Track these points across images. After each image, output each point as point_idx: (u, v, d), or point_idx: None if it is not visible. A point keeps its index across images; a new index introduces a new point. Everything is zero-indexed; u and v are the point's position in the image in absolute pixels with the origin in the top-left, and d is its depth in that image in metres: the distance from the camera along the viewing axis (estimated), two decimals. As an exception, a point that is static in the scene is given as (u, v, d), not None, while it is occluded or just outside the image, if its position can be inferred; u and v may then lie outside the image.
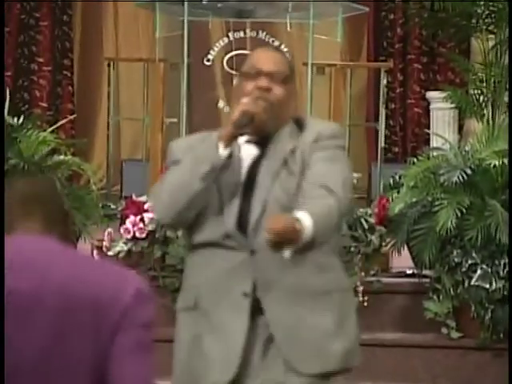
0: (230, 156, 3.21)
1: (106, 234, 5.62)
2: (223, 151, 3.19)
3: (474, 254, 5.39)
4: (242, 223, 3.22)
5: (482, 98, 8.37)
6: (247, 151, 3.30)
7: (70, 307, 2.22)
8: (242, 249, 3.20)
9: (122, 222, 5.63)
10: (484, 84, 8.36)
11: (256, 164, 3.29)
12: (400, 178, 5.78)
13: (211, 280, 3.23)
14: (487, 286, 5.36)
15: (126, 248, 5.52)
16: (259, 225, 3.18)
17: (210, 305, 3.22)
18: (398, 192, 5.66)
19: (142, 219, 5.56)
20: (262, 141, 3.29)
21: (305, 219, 3.03)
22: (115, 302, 2.23)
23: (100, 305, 2.22)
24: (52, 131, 5.87)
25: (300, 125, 3.33)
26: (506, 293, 5.35)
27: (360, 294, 5.49)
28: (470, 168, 5.46)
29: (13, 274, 2.24)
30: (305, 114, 3.41)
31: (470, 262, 5.39)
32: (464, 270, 5.39)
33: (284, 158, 3.25)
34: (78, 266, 2.29)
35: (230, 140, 3.20)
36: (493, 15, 8.38)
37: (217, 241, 3.22)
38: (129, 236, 5.53)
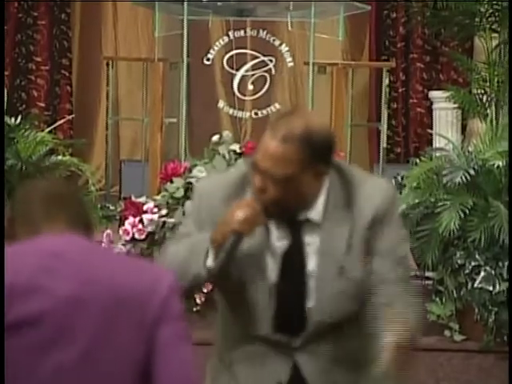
0: (224, 264, 2.93)
1: (105, 235, 5.61)
2: (211, 263, 2.94)
3: (477, 256, 5.39)
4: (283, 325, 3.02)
5: (485, 97, 8.37)
6: (278, 241, 3.03)
7: (114, 303, 2.28)
8: (278, 346, 3.04)
9: (121, 224, 5.64)
10: (487, 83, 8.37)
11: (291, 257, 3.02)
12: (402, 178, 5.78)
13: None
14: (491, 288, 5.36)
15: (124, 249, 5.52)
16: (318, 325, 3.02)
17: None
18: (401, 193, 5.65)
19: (141, 220, 5.56)
20: (293, 225, 3.01)
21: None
22: (154, 295, 2.30)
23: (140, 298, 2.29)
24: (50, 131, 5.87)
25: (347, 187, 3.03)
26: (509, 295, 5.35)
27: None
28: (474, 169, 5.46)
29: (54, 276, 2.26)
30: (345, 166, 3.14)
31: (473, 263, 5.39)
32: (467, 271, 5.40)
33: (341, 266, 2.99)
34: (114, 262, 2.36)
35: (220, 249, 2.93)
36: (496, 14, 8.39)
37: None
38: (128, 237, 5.53)
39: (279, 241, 3.02)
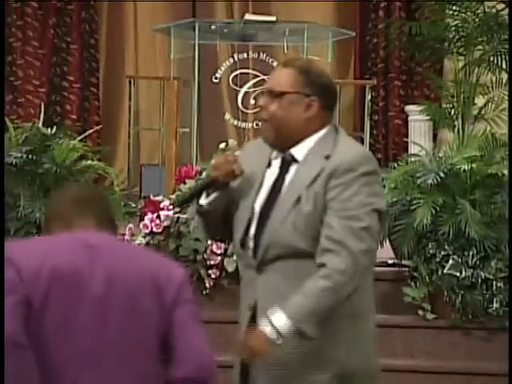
0: (215, 200, 3.01)
1: (128, 229, 5.61)
2: (204, 200, 3.03)
3: (446, 247, 5.38)
4: (256, 244, 2.99)
5: (453, 111, 8.38)
6: (273, 169, 3.05)
7: (139, 287, 2.32)
8: (250, 267, 3.01)
9: (141, 219, 5.63)
10: (455, 99, 8.37)
11: (276, 188, 3.01)
12: (382, 180, 5.76)
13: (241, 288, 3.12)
14: (458, 274, 5.35)
15: (144, 241, 5.51)
16: (266, 253, 2.96)
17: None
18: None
19: (158, 216, 5.55)
20: (290, 157, 3.02)
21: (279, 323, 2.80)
22: (170, 282, 2.36)
23: (159, 286, 2.34)
24: (80, 140, 5.86)
25: (333, 143, 3.00)
26: (474, 280, 5.34)
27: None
28: (443, 172, 5.45)
29: (90, 263, 2.29)
30: (341, 130, 3.09)
31: (443, 253, 5.38)
32: (438, 260, 5.39)
33: (298, 195, 2.95)
34: (137, 254, 2.43)
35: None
36: (462, 39, 8.39)
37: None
38: (147, 231, 5.52)
39: (272, 175, 3.04)
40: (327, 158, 2.96)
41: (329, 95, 3.03)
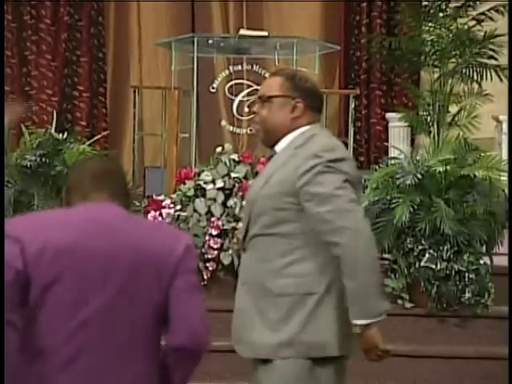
0: None
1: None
2: None
3: (423, 242, 5.37)
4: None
5: (429, 118, 8.38)
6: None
7: (140, 260, 2.27)
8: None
9: (145, 216, 5.61)
10: (431, 107, 8.38)
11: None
12: (365, 181, 5.76)
13: None
14: (433, 266, 5.34)
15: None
16: (246, 233, 3.01)
17: None
18: (364, 192, 5.64)
19: (160, 214, 5.54)
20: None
21: None
22: (172, 253, 2.29)
23: (161, 256, 2.29)
24: (89, 144, 5.84)
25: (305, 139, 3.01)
26: (448, 272, 5.34)
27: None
28: (420, 173, 5.45)
29: (93, 238, 2.26)
30: (317, 130, 3.09)
31: (420, 247, 5.37)
32: (415, 254, 5.38)
33: (267, 178, 3.00)
34: (142, 228, 2.35)
35: None
36: (437, 53, 8.39)
37: None
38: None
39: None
40: (299, 147, 2.99)
41: (312, 97, 3.06)
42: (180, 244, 2.32)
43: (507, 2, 8.31)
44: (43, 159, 5.49)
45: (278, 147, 3.04)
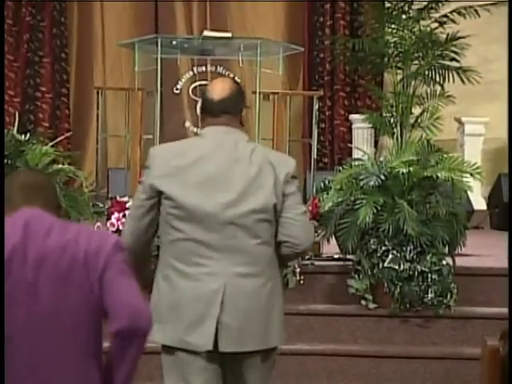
0: None
1: (96, 227, 5.57)
2: None
3: (386, 242, 5.40)
4: None
5: (392, 119, 8.43)
6: None
7: (70, 262, 2.29)
8: None
9: (109, 218, 5.59)
10: (394, 109, 8.43)
11: None
12: (329, 182, 5.79)
13: None
14: (397, 267, 5.37)
15: (111, 238, 5.47)
16: None
17: None
18: (327, 193, 5.66)
19: (124, 215, 5.52)
20: None
21: None
22: (100, 254, 2.32)
23: (89, 258, 2.31)
24: (52, 145, 5.81)
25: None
26: (411, 273, 5.36)
27: (298, 274, 5.49)
28: (384, 174, 5.48)
29: (24, 243, 2.28)
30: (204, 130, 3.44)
31: (383, 248, 5.40)
32: (379, 254, 5.41)
33: None
34: (71, 233, 2.36)
35: None
36: (400, 55, 8.45)
37: None
38: (114, 229, 5.49)
39: None
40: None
41: (204, 104, 3.34)
42: (107, 244, 2.35)
43: (469, 5, 8.39)
44: (6, 160, 5.45)
45: None
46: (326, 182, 5.85)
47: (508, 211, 5.35)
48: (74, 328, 2.27)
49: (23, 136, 5.71)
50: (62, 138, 7.03)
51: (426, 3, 8.40)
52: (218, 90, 3.29)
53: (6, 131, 5.72)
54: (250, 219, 3.12)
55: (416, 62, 8.36)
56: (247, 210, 3.12)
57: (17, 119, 6.12)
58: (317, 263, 5.67)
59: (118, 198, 5.72)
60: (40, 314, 2.25)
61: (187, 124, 7.71)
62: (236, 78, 7.11)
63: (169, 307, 3.12)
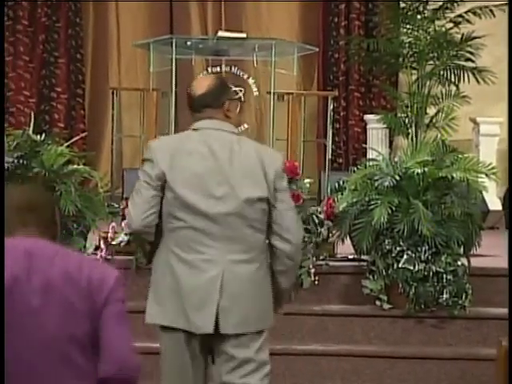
0: None
1: (111, 227, 5.58)
2: None
3: (401, 243, 5.39)
4: None
5: (407, 120, 8.41)
6: None
7: (74, 292, 2.28)
8: None
9: (123, 218, 5.59)
10: (409, 109, 8.41)
11: None
12: (343, 182, 5.78)
13: None
14: (411, 267, 5.36)
15: (126, 238, 5.48)
16: None
17: None
18: (342, 194, 5.66)
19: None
20: None
21: None
22: (103, 285, 2.31)
23: (93, 285, 2.30)
24: (67, 146, 5.82)
25: None
26: (426, 273, 5.36)
27: (312, 275, 5.49)
28: (398, 175, 5.47)
29: (28, 272, 2.26)
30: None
31: (398, 249, 5.39)
32: (393, 255, 5.40)
33: None
34: (73, 262, 2.33)
35: None
36: (415, 55, 8.43)
37: None
38: (128, 229, 5.49)
39: None
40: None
41: (189, 101, 3.51)
42: (111, 275, 2.34)
43: (484, 5, 8.37)
44: (21, 161, 5.47)
45: None
46: (341, 183, 5.84)
47: (508, 211, 5.33)
48: (74, 356, 2.26)
49: (39, 136, 5.72)
50: (77, 138, 7.03)
51: (441, 3, 8.38)
52: (199, 86, 3.50)
53: (21, 132, 5.74)
54: (247, 211, 3.33)
55: (431, 62, 8.34)
56: (244, 201, 3.33)
57: (32, 120, 6.13)
58: (331, 263, 5.66)
59: (132, 199, 5.72)
60: (41, 340, 2.24)
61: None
62: (250, 78, 7.13)
63: (169, 291, 3.32)
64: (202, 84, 3.50)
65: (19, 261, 2.26)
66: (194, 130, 3.47)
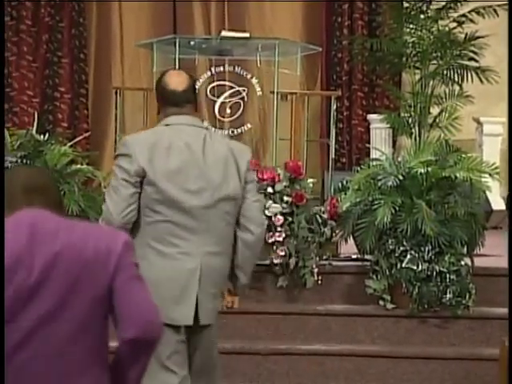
0: None
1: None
2: None
3: (404, 243, 5.39)
4: None
5: (410, 119, 8.42)
6: None
7: (81, 263, 2.26)
8: None
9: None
10: (412, 109, 8.42)
11: None
12: (347, 182, 5.78)
13: None
14: (415, 267, 5.36)
15: (129, 237, 5.47)
16: None
17: None
18: (345, 194, 5.66)
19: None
20: None
21: None
22: (111, 254, 2.28)
23: (100, 258, 2.27)
24: (71, 145, 5.83)
25: None
26: (429, 273, 5.36)
27: (315, 275, 5.49)
28: (402, 175, 5.47)
29: (33, 244, 2.24)
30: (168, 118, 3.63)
31: (401, 248, 5.39)
32: (397, 255, 5.40)
33: None
34: (79, 232, 2.31)
35: None
36: (418, 55, 8.44)
37: None
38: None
39: None
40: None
41: (163, 95, 3.56)
42: (118, 242, 2.31)
43: (487, 4, 8.36)
44: (24, 161, 5.47)
45: None
46: (344, 182, 5.84)
47: (509, 211, 5.32)
48: (83, 329, 2.25)
49: (42, 136, 5.73)
50: (80, 138, 7.06)
51: (444, 3, 8.38)
52: (179, 81, 3.54)
53: (25, 131, 5.75)
54: (222, 204, 3.42)
55: (434, 61, 8.34)
56: (221, 196, 3.43)
57: (36, 119, 6.14)
58: (334, 263, 5.66)
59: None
60: (48, 317, 2.22)
61: (205, 124, 7.71)
62: (253, 78, 7.13)
63: (149, 285, 3.29)
64: (180, 80, 3.56)
65: (22, 235, 2.24)
66: (166, 125, 3.53)
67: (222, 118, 7.19)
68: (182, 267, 3.38)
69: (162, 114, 3.56)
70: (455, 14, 8.38)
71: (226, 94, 7.21)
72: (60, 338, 2.23)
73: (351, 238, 5.64)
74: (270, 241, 5.40)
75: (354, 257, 5.80)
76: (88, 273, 2.26)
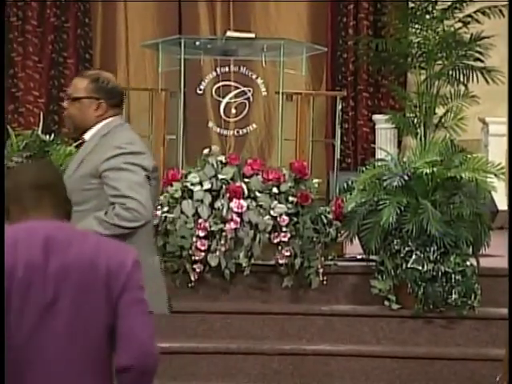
0: None
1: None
2: None
3: (410, 243, 5.38)
4: None
5: (416, 120, 8.42)
6: None
7: (92, 276, 2.24)
8: None
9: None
10: (417, 109, 8.42)
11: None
12: (352, 182, 5.77)
13: None
14: (420, 268, 5.35)
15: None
16: None
17: None
18: (351, 194, 5.65)
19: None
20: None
21: None
22: (122, 268, 2.27)
23: (111, 272, 2.25)
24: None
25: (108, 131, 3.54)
26: (434, 273, 5.35)
27: (321, 275, 5.49)
28: (407, 175, 5.46)
29: (46, 256, 2.22)
30: (118, 122, 3.63)
31: (406, 249, 5.38)
32: (402, 255, 5.39)
33: (79, 162, 3.54)
34: (91, 245, 2.29)
35: None
36: (424, 55, 8.43)
37: None
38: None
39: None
40: (103, 136, 3.53)
41: (114, 96, 3.55)
42: (128, 259, 2.28)
43: (493, 4, 8.35)
44: (30, 161, 5.47)
45: (87, 135, 3.58)
46: (349, 183, 5.83)
47: (509, 211, 5.32)
48: (90, 346, 2.23)
49: (48, 136, 5.73)
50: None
51: (449, 3, 8.37)
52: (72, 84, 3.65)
53: (30, 132, 5.75)
54: None
55: (440, 62, 8.34)
56: None
57: (41, 120, 6.14)
58: (340, 264, 5.66)
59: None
60: (58, 331, 2.21)
61: (210, 124, 7.72)
62: (258, 78, 7.13)
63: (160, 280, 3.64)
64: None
65: (37, 248, 2.22)
66: (124, 123, 3.65)
67: (227, 119, 7.20)
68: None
69: (108, 111, 3.60)
70: (461, 15, 8.37)
71: (232, 94, 7.22)
72: (65, 355, 2.21)
73: (356, 238, 5.63)
74: (275, 241, 5.40)
75: (359, 257, 5.80)
76: (98, 289, 2.24)
